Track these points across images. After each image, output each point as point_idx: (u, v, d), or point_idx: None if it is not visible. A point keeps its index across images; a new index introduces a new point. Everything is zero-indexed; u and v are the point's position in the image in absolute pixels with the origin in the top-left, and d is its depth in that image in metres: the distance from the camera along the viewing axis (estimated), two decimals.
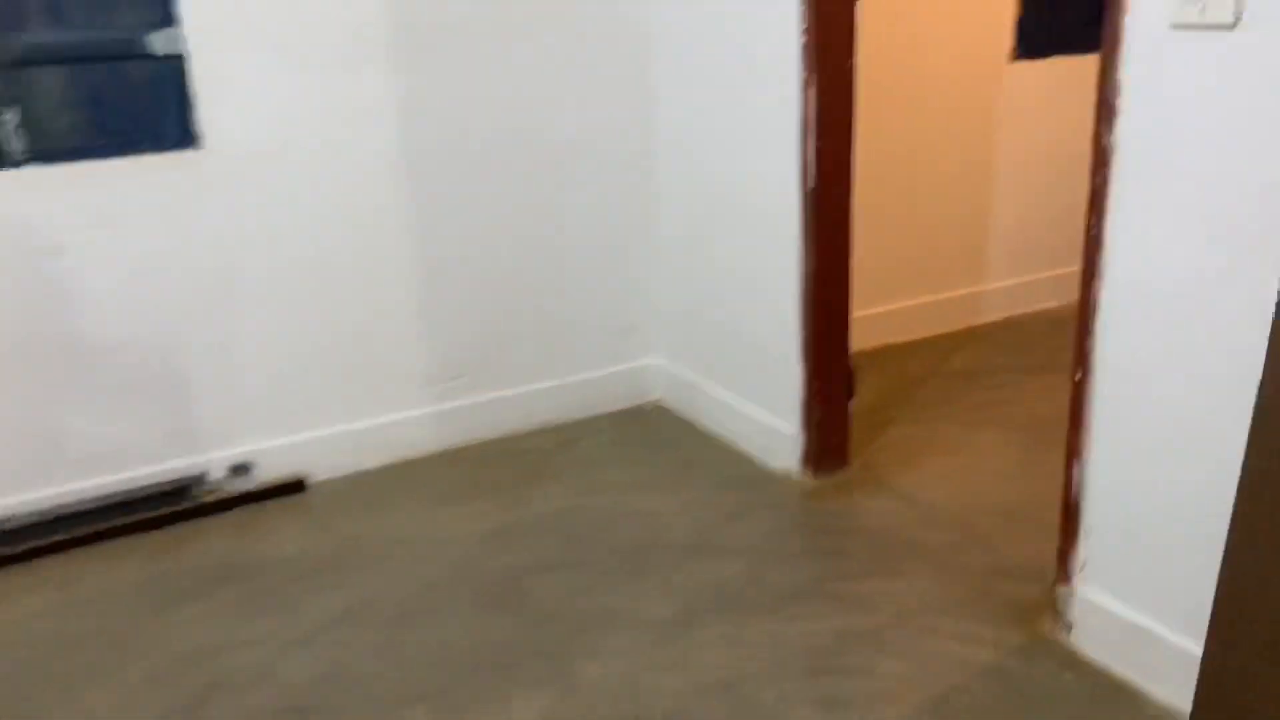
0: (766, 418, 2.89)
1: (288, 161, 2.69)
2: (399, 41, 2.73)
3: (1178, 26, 1.67)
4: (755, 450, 2.94)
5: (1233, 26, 1.59)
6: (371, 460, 2.99)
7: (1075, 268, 4.31)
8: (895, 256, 3.72)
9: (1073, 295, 4.32)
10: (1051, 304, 4.13)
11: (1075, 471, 2.03)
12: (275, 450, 2.86)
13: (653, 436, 3.13)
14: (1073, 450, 2.03)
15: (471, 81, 2.85)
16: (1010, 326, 3.97)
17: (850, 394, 2.83)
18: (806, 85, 2.51)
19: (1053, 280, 4.11)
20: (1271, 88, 1.56)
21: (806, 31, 2.48)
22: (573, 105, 3.01)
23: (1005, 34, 3.75)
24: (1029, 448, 2.95)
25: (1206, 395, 1.75)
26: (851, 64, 2.54)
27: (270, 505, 2.82)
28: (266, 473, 2.86)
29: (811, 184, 2.57)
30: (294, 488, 2.88)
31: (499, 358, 3.11)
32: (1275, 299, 1.53)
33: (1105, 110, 1.82)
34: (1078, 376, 1.98)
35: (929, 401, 3.31)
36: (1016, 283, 4.05)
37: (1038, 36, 3.83)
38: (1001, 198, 3.92)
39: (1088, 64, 4.00)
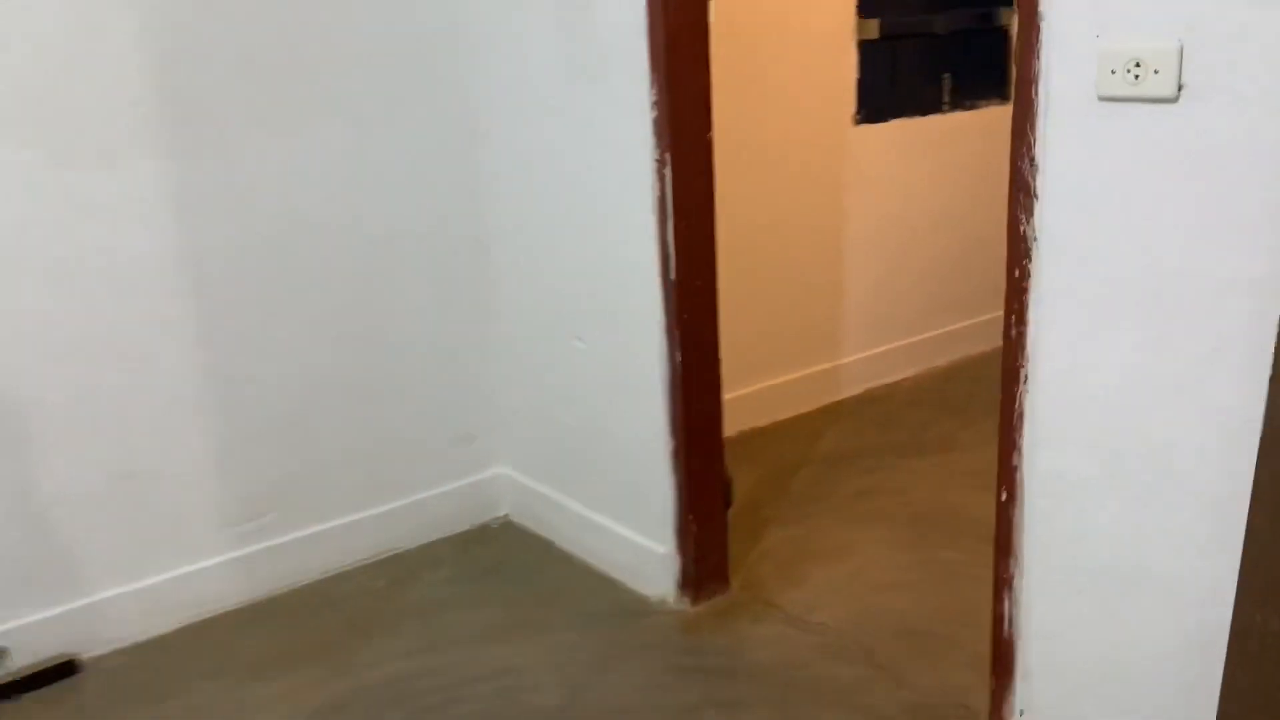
0: (635, 536, 2.53)
1: (31, 273, 2.17)
2: (176, 125, 2.28)
3: (1107, 100, 1.44)
4: (624, 575, 2.57)
5: (1175, 100, 1.36)
6: (161, 625, 2.45)
7: (928, 334, 4.24)
8: (750, 336, 3.46)
9: (927, 363, 4.24)
10: (908, 373, 3.97)
11: (1006, 605, 1.76)
12: (35, 627, 2.30)
13: (503, 564, 2.72)
14: (1001, 580, 1.76)
15: (269, 168, 2.42)
16: (870, 401, 3.77)
17: (728, 503, 2.51)
18: (661, 164, 2.20)
19: (908, 349, 3.96)
20: (1224, 170, 1.34)
21: (657, 104, 2.17)
22: (391, 191, 2.61)
23: (848, 98, 3.59)
24: (918, 546, 2.71)
25: (1161, 525, 1.50)
26: (709, 138, 2.25)
27: (30, 699, 2.25)
28: (25, 657, 2.29)
29: (674, 273, 2.25)
30: (62, 672, 2.32)
31: (315, 486, 2.64)
32: (1246, 414, 1.29)
33: (1022, 194, 1.58)
34: (1003, 496, 1.72)
35: (803, 495, 3.04)
36: (873, 354, 3.87)
37: (879, 100, 3.69)
38: (853, 267, 3.74)
39: (929, 125, 3.94)
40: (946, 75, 3.93)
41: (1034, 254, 1.58)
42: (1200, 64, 1.33)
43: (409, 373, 2.73)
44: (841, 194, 3.65)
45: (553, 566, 2.68)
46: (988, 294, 4.13)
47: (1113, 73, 1.41)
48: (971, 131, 3.97)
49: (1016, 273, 1.61)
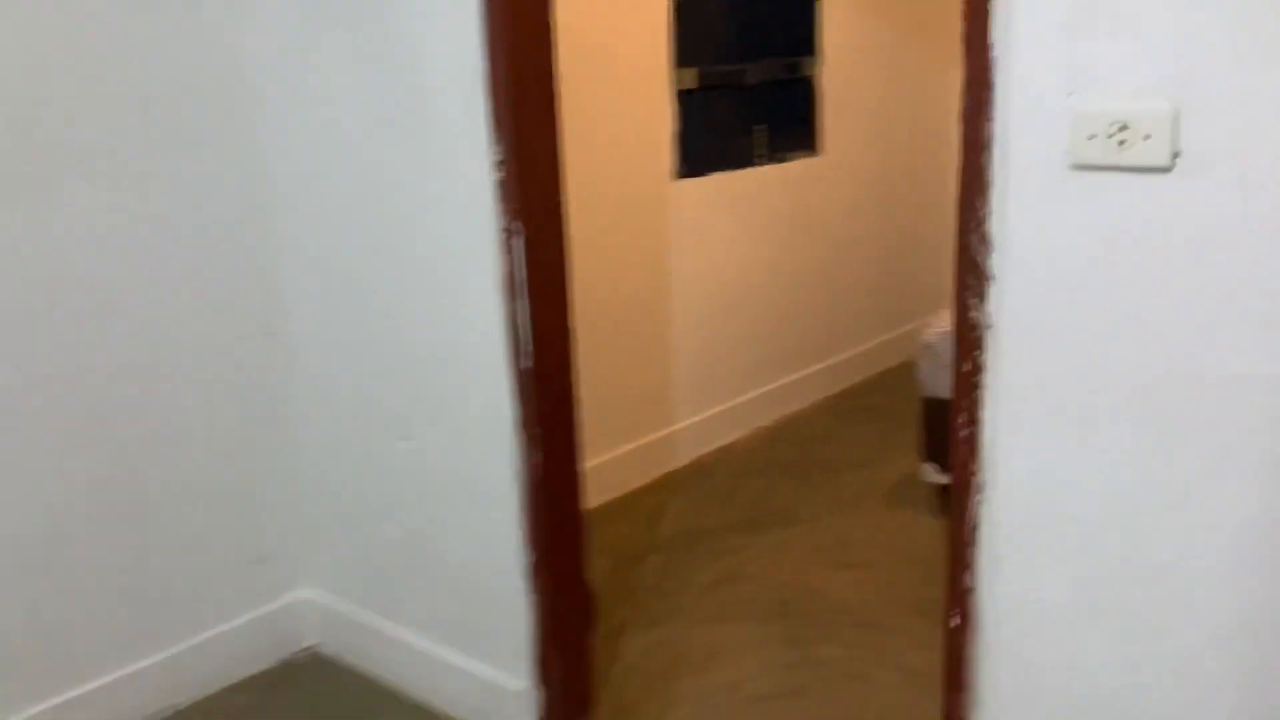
0: (482, 669, 2.14)
1: None
2: None
3: (1083, 168, 1.23)
4: (469, 716, 2.17)
5: (1169, 169, 1.17)
6: None
7: (753, 394, 4.05)
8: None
9: (754, 424, 4.03)
10: (737, 436, 3.77)
11: None
12: None
13: (317, 709, 2.25)
14: (952, 716, 1.52)
15: None
16: (704, 469, 3.54)
17: (592, 623, 2.17)
18: (509, 234, 1.86)
19: (735, 411, 3.76)
20: (1232, 251, 1.15)
21: (503, 163, 1.83)
22: (157, 266, 2.12)
23: (667, 151, 3.37)
24: (793, 642, 2.46)
25: (1158, 657, 1.30)
26: (562, 202, 1.93)
27: None
28: None
29: (527, 361, 1.91)
30: None
31: (64, 641, 2.08)
32: (1262, 531, 1.10)
33: (971, 276, 1.35)
34: (954, 621, 1.48)
35: (657, 588, 2.74)
36: (702, 419, 3.64)
37: (697, 153, 3.49)
38: (678, 328, 3.51)
39: (744, 179, 3.77)
40: (760, 127, 3.80)
41: (989, 344, 1.36)
42: (1200, 128, 1.14)
43: (184, 486, 2.23)
44: (664, 252, 3.42)
45: (379, 709, 2.24)
46: (804, 350, 4.02)
47: (1091, 137, 1.21)
48: (785, 185, 3.85)
49: (967, 365, 1.39)
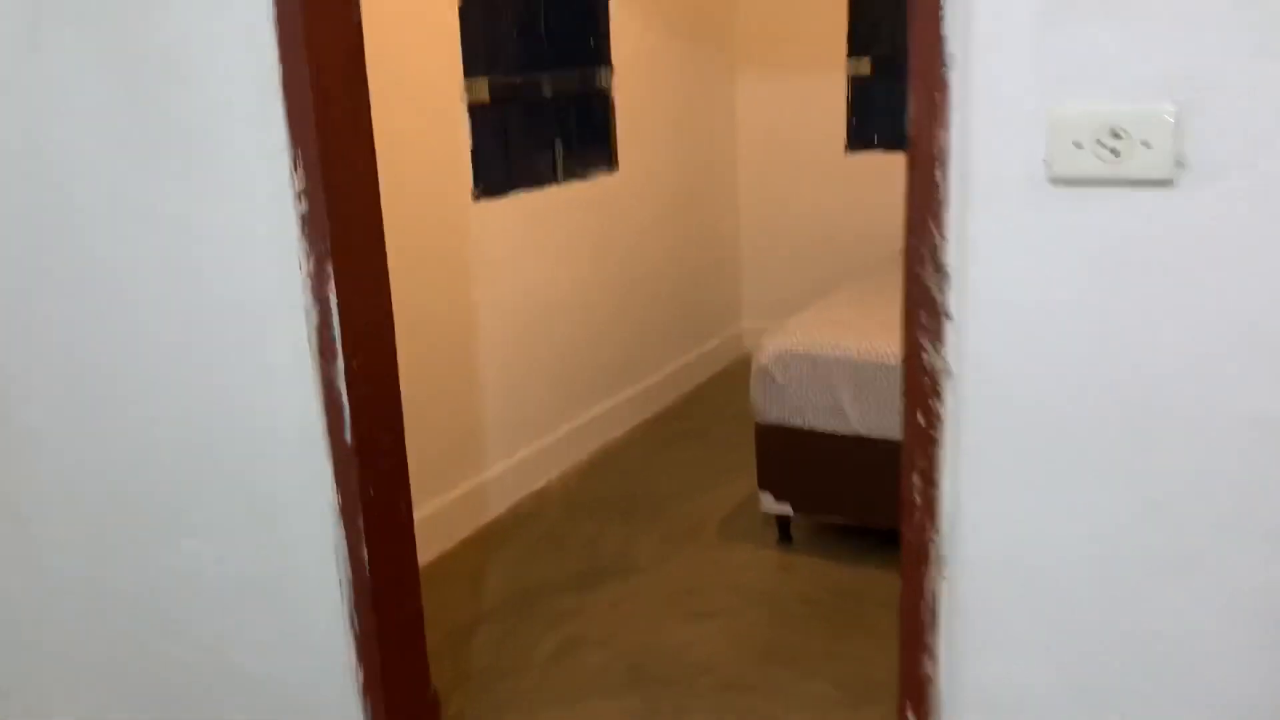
0: None
1: None
2: None
3: (1065, 182, 1.04)
4: None
5: (1172, 182, 0.99)
6: None
7: (567, 428, 3.75)
8: None
9: (571, 460, 3.70)
10: (554, 475, 3.48)
11: None
12: None
13: None
14: None
15: None
16: (524, 517, 3.22)
17: None
18: (319, 279, 1.49)
19: (550, 448, 3.47)
20: (1246, 276, 0.99)
21: (308, 192, 1.46)
22: None
23: (464, 171, 3.04)
24: (654, 714, 2.20)
25: None
26: (381, 239, 1.59)
27: None
28: None
29: (350, 433, 1.54)
30: None
31: None
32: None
33: (925, 312, 1.14)
34: (908, 715, 1.26)
35: (493, 668, 2.40)
36: (515, 461, 3.32)
37: (495, 171, 3.18)
38: (486, 364, 3.18)
39: (546, 198, 3.49)
40: (558, 143, 3.53)
41: (947, 392, 1.15)
42: (1208, 134, 0.97)
43: None
44: (466, 282, 3.08)
45: None
46: (614, 375, 3.79)
47: (1077, 146, 1.01)
48: (586, 204, 3.60)
49: (920, 417, 1.17)
